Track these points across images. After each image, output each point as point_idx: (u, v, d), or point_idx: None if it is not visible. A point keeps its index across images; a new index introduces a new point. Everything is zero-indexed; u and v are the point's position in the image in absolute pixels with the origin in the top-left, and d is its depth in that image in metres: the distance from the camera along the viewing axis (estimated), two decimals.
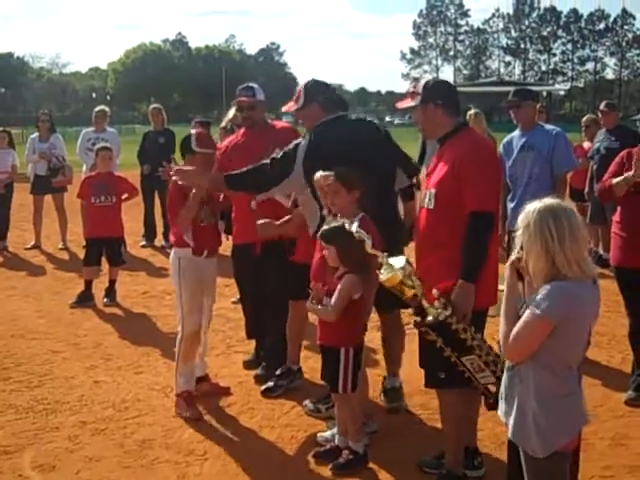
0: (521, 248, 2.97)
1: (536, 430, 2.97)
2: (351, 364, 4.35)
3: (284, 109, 5.32)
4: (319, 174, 4.58)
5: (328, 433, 4.74)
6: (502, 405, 3.16)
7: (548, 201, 2.94)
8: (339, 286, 4.20)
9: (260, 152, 5.58)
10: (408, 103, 4.34)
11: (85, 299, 8.18)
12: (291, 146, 4.96)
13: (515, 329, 2.93)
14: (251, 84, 6.05)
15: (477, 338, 3.73)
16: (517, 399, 3.03)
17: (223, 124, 6.98)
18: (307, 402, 5.28)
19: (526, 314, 2.91)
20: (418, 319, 3.76)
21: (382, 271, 3.75)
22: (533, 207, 2.93)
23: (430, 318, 3.69)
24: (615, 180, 5.26)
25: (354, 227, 3.94)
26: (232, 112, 6.49)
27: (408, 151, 5.45)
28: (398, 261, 3.74)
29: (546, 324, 2.87)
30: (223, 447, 4.72)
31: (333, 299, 4.20)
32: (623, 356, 6.25)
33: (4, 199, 11.30)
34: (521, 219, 2.96)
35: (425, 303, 3.70)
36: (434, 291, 3.68)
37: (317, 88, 5.06)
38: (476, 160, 4.01)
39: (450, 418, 4.19)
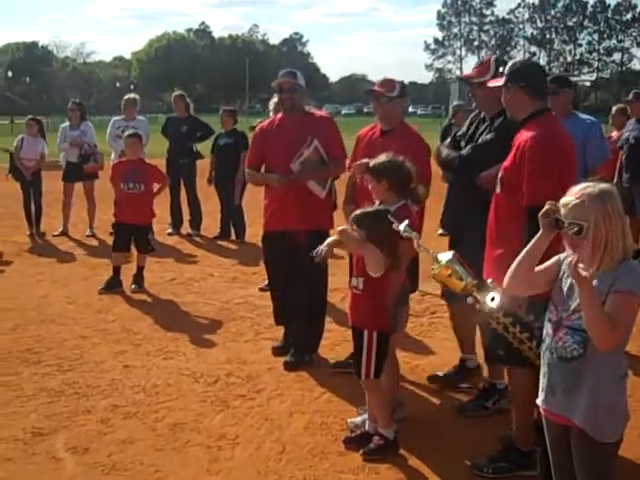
0: (577, 228, 2.77)
1: (611, 414, 2.87)
2: (374, 348, 4.29)
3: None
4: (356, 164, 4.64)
5: (359, 419, 4.74)
6: (555, 399, 2.99)
7: (602, 184, 2.83)
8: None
9: (296, 138, 5.59)
10: (497, 82, 4.37)
11: (113, 285, 8.22)
12: None
13: (616, 318, 2.72)
14: (293, 70, 5.99)
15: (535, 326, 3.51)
16: (589, 387, 2.87)
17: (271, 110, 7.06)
18: None
19: (621, 299, 2.74)
20: (478, 307, 3.52)
21: (432, 267, 3.71)
22: (599, 188, 2.80)
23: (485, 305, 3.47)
24: None
25: (402, 226, 3.88)
26: (276, 99, 6.48)
27: (431, 142, 5.46)
28: (445, 256, 3.64)
29: None
30: (254, 432, 4.74)
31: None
32: None
33: (35, 187, 11.44)
34: (587, 199, 2.77)
35: (476, 294, 3.53)
36: (489, 281, 3.59)
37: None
38: (537, 148, 3.95)
39: (517, 400, 4.21)
